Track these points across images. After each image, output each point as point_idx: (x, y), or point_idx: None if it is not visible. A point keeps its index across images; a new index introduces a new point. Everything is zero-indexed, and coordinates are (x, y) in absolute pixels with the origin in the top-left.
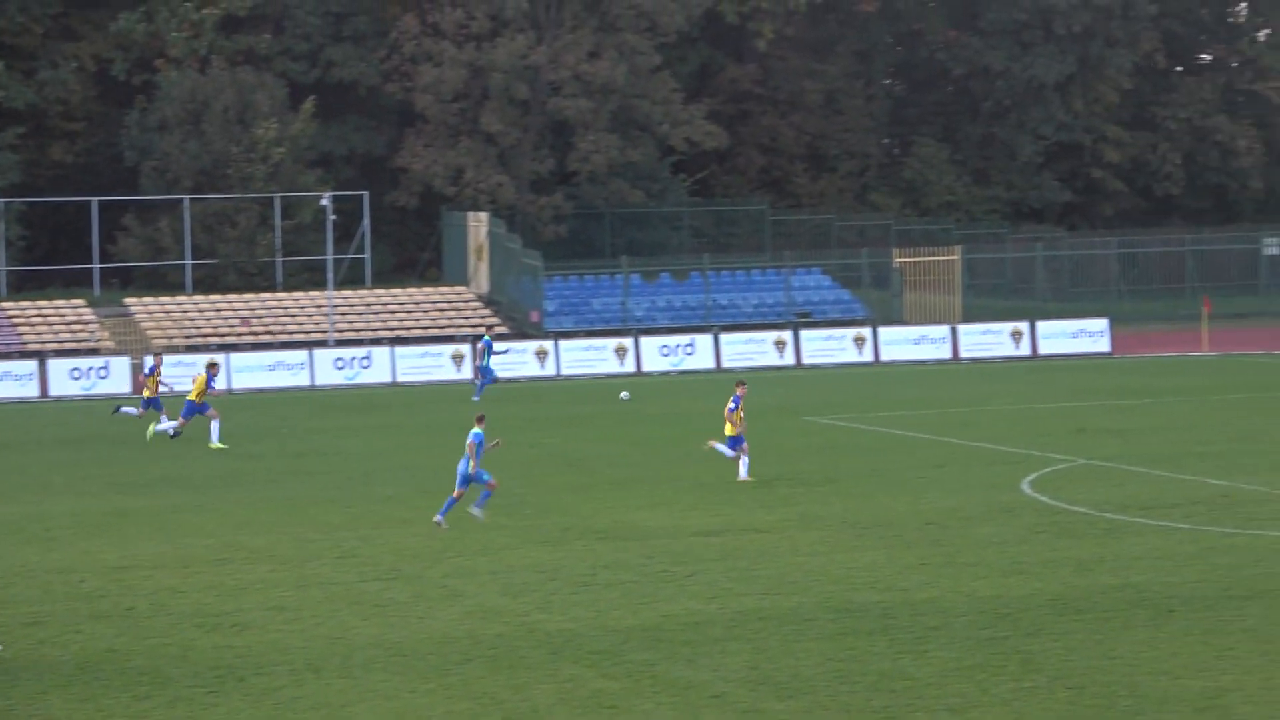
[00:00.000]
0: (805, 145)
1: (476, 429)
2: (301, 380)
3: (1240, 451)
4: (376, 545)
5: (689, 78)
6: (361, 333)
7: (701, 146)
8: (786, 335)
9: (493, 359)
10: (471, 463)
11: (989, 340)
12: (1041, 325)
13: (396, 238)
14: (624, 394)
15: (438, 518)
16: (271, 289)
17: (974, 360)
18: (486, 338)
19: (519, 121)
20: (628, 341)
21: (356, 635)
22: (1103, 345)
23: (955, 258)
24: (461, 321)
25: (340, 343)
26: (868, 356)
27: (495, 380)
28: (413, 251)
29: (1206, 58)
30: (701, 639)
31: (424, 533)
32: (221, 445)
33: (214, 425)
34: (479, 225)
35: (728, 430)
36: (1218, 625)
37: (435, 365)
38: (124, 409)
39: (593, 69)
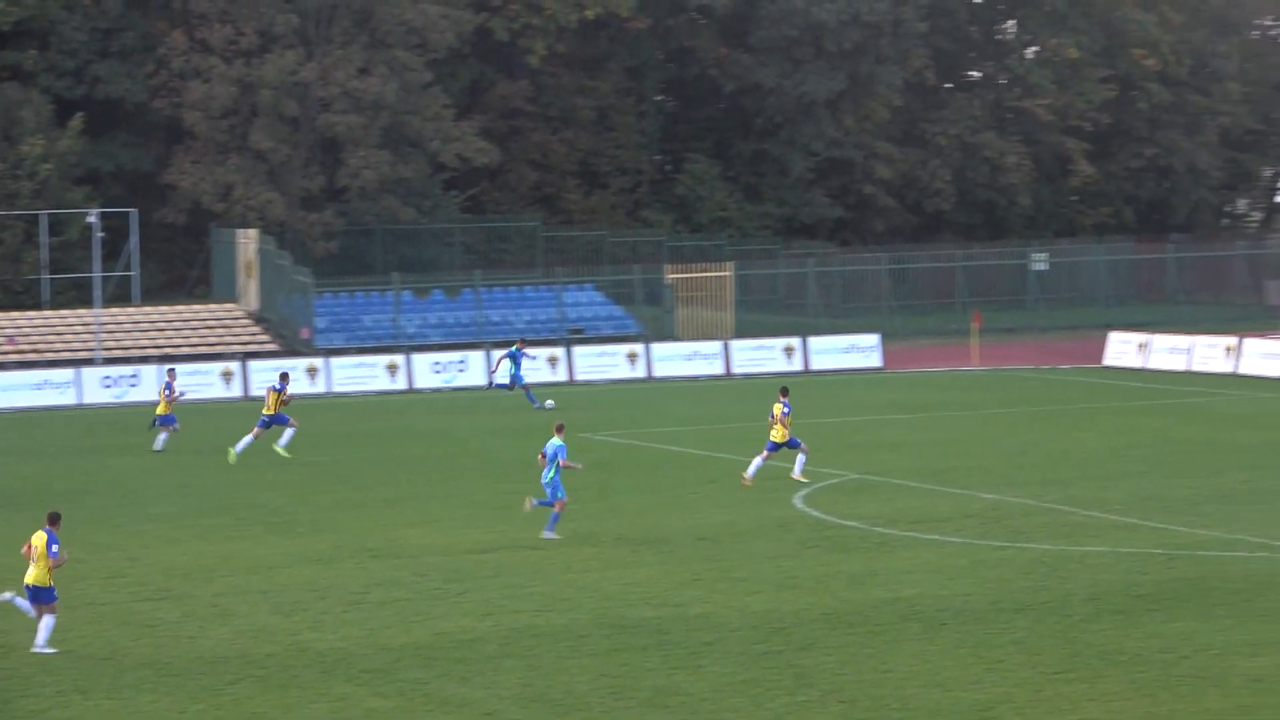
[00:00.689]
0: (577, 162)
1: (556, 439)
2: (68, 399)
3: (1010, 465)
4: (145, 565)
5: (460, 94)
6: (130, 351)
7: (473, 163)
8: (559, 351)
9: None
10: (549, 473)
11: (761, 356)
12: (813, 341)
13: (165, 255)
14: (549, 402)
15: (547, 533)
16: (37, 306)
17: (747, 376)
18: (515, 349)
19: (289, 138)
20: (399, 359)
21: (126, 656)
22: (874, 360)
23: (728, 274)
24: (231, 339)
25: (108, 361)
26: (641, 372)
27: (514, 388)
28: (182, 269)
29: (976, 75)
30: (475, 656)
31: (194, 551)
32: (288, 453)
33: (288, 432)
34: (248, 242)
35: (777, 435)
36: (988, 638)
37: (205, 383)
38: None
39: (363, 85)
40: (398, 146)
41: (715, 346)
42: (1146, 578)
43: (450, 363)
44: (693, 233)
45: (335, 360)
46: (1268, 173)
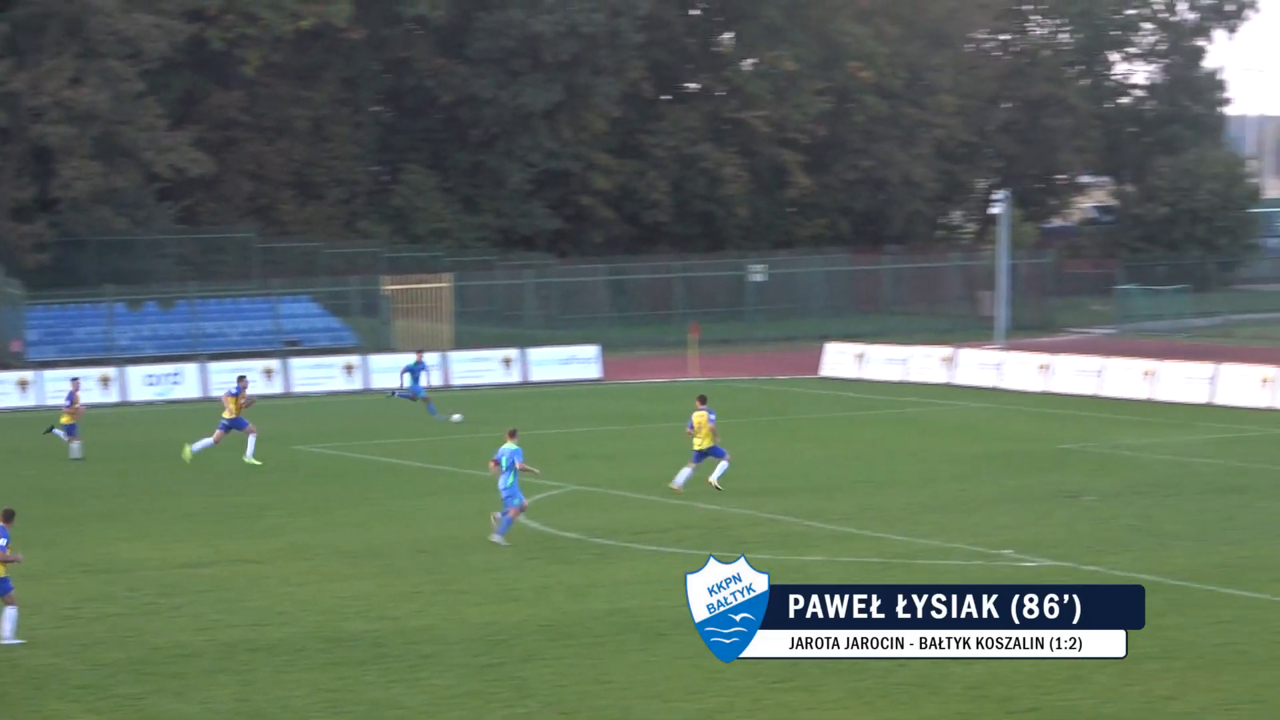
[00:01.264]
0: (293, 172)
1: (510, 444)
2: None
3: (729, 476)
4: None
5: (174, 104)
6: None
7: (187, 173)
8: (275, 364)
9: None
10: (507, 479)
11: (480, 367)
12: (532, 352)
13: None
14: (456, 416)
15: (496, 538)
16: None
17: (466, 387)
18: (415, 362)
19: None
20: (113, 371)
21: None
22: (593, 371)
23: (445, 285)
24: None
25: None
26: (358, 384)
27: (415, 399)
28: None
29: (693, 87)
30: (190, 671)
31: None
32: (256, 461)
33: (250, 440)
34: None
35: (707, 442)
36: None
37: None
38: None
39: (75, 95)
40: (111, 157)
41: (433, 358)
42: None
43: (164, 375)
44: (410, 244)
45: (47, 373)
46: (981, 185)
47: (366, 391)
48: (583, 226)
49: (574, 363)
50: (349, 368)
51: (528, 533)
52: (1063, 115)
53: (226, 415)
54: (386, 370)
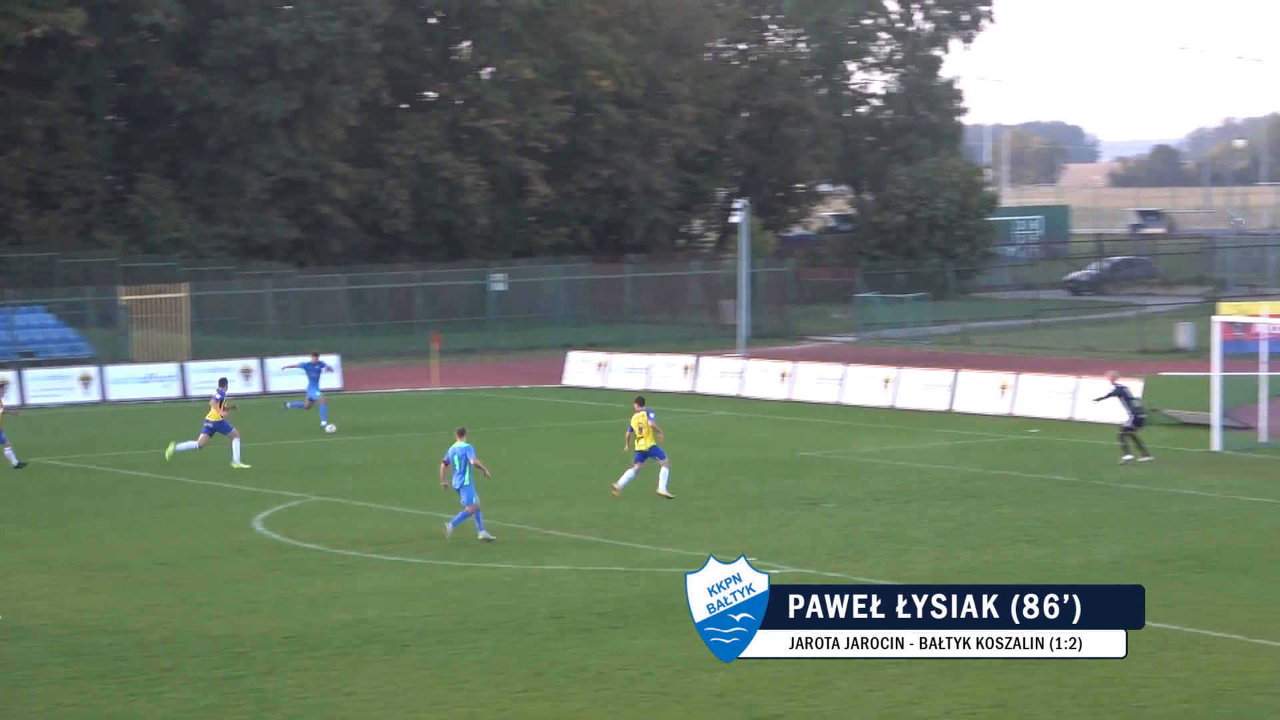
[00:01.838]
0: (26, 182)
1: (460, 442)
2: None
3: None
4: None
5: None
6: None
7: None
8: (9, 375)
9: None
10: (463, 478)
11: (218, 378)
12: (272, 362)
13: None
14: (330, 427)
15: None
16: None
17: (205, 398)
18: (309, 361)
19: None
20: None
21: None
22: (334, 381)
23: (183, 295)
24: None
25: None
26: (95, 395)
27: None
28: None
29: (432, 95)
30: None
31: None
32: (244, 465)
33: (235, 444)
34: None
35: (649, 442)
36: (451, 658)
37: None
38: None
39: None
40: None
41: (171, 369)
42: (609, 595)
43: None
44: (147, 254)
45: None
46: (721, 193)
47: (104, 403)
48: (322, 236)
49: None
50: (85, 379)
51: (269, 544)
52: (801, 124)
53: (210, 418)
54: (123, 381)
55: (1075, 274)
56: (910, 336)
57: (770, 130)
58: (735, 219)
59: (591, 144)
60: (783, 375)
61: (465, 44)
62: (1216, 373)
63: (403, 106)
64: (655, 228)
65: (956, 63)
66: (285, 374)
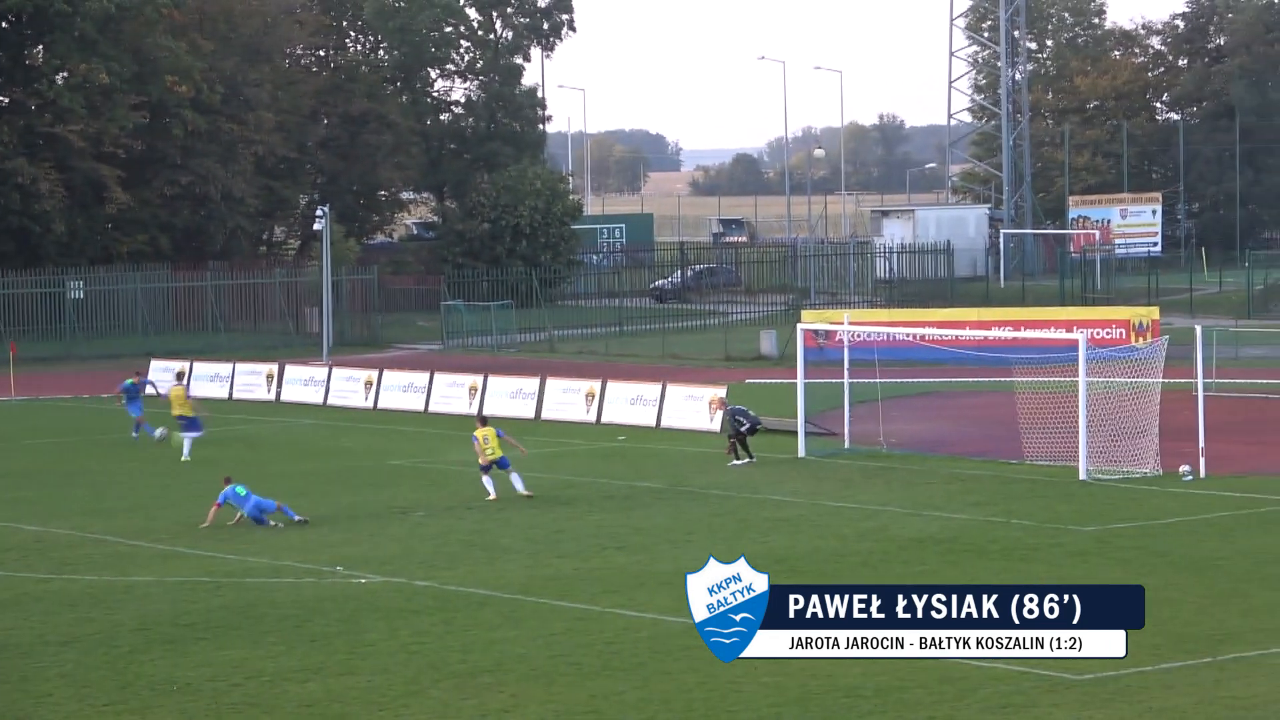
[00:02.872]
0: None
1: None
2: None
3: (54, 497)
4: None
5: None
6: None
7: None
8: None
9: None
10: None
11: None
12: None
13: None
14: (159, 431)
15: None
16: None
17: None
18: (133, 381)
19: None
20: None
21: None
22: None
23: None
24: None
25: None
26: None
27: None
28: None
29: (4, 100)
30: None
31: None
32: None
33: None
34: None
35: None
36: (35, 671)
37: None
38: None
39: None
40: None
41: None
42: (195, 606)
43: None
44: None
45: None
46: (303, 200)
47: None
48: None
49: None
50: None
51: None
52: (383, 131)
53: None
54: None
55: (659, 282)
56: (496, 344)
57: (351, 137)
58: (317, 226)
59: (170, 150)
60: (367, 384)
61: (39, 48)
62: (800, 379)
63: None
64: (236, 235)
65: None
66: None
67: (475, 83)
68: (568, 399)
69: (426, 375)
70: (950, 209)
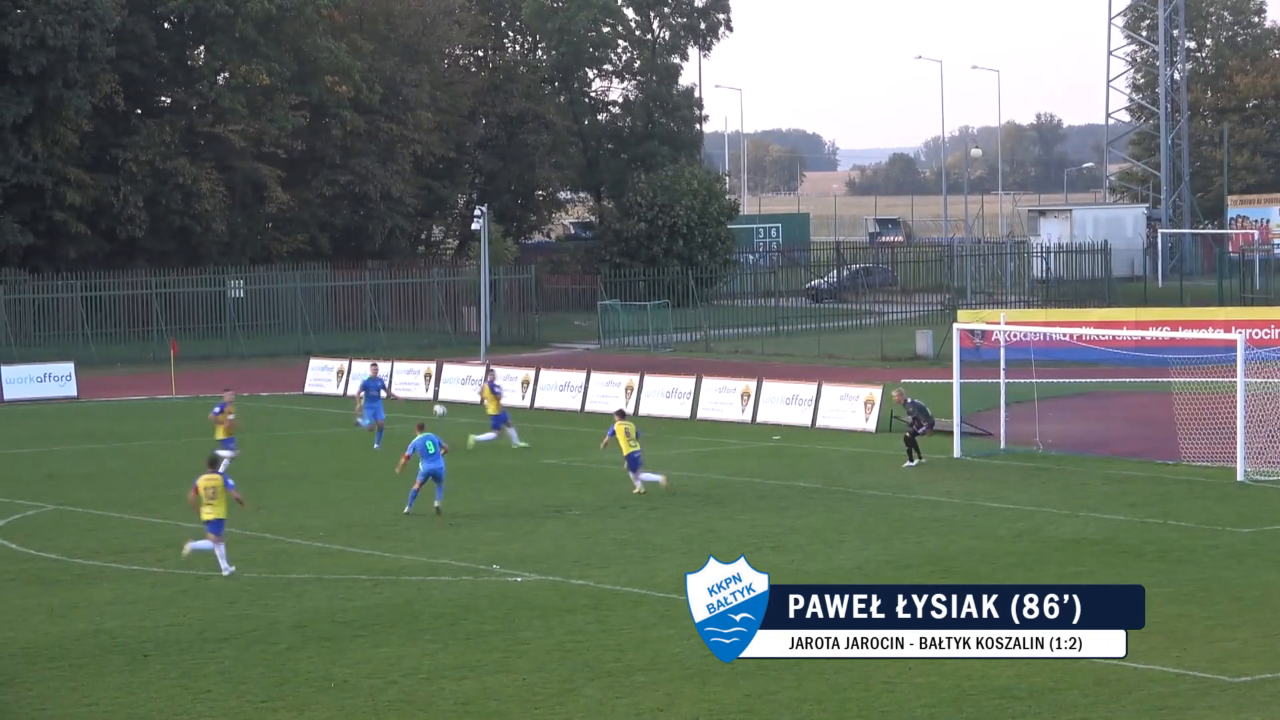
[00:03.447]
0: None
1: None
2: None
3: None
4: None
5: None
6: None
7: None
8: None
9: None
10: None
11: None
12: (6, 370)
13: None
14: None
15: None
16: None
17: None
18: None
19: None
20: None
21: None
22: (69, 389)
23: None
24: None
25: None
26: None
27: None
28: None
29: (166, 100)
30: None
31: None
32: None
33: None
34: None
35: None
36: (193, 668)
37: None
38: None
39: None
40: None
41: None
42: (352, 604)
43: None
44: None
45: None
46: (461, 200)
47: None
48: (56, 242)
49: (49, 380)
50: None
51: (6, 554)
52: (540, 131)
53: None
54: None
55: (815, 281)
56: (652, 344)
57: (509, 137)
58: (475, 226)
59: (329, 150)
60: (524, 383)
61: (200, 49)
62: (956, 379)
63: (137, 112)
64: (395, 234)
65: (695, 71)
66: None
67: (632, 82)
68: (723, 398)
69: (583, 374)
70: (1108, 209)
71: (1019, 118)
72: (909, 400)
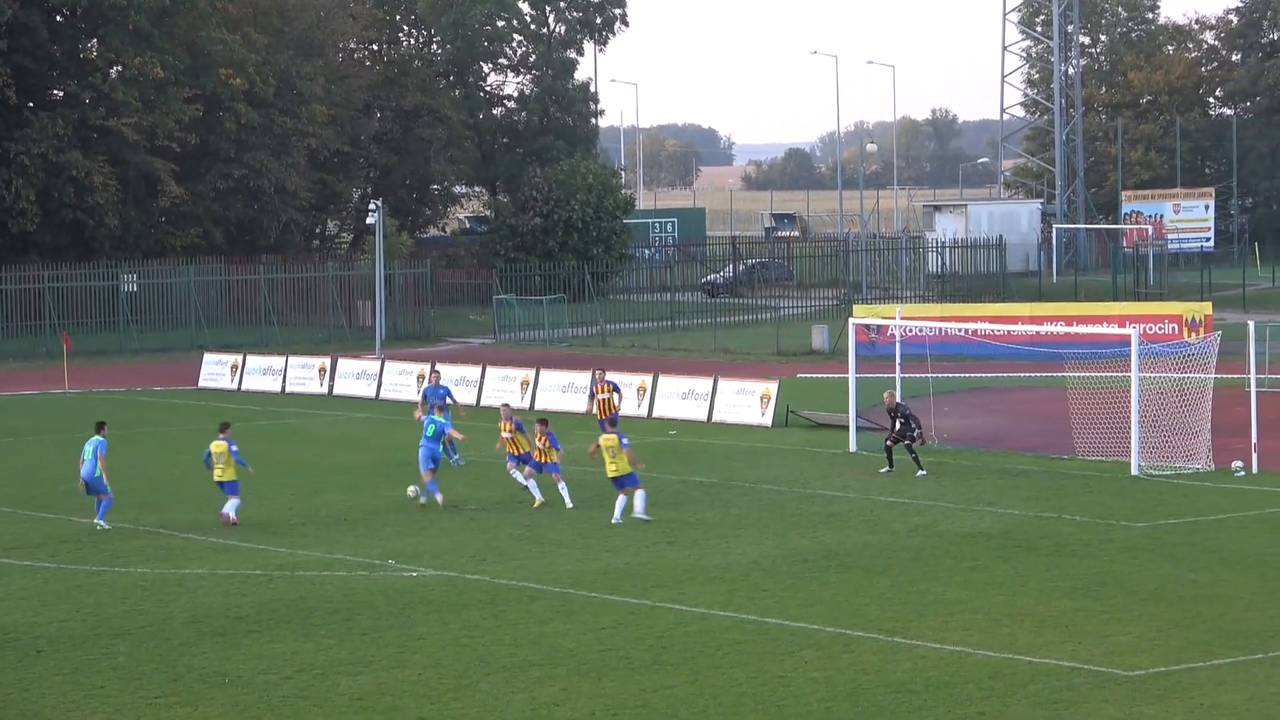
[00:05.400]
0: None
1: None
2: None
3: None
4: None
5: None
6: None
7: None
8: None
9: None
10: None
11: None
12: None
13: None
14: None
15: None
16: None
17: None
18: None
19: None
20: None
21: None
22: None
23: None
24: None
25: None
26: None
27: None
28: None
29: (59, 93)
30: None
31: None
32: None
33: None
34: None
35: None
36: (87, 664)
37: None
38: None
39: None
40: None
41: None
42: (246, 599)
43: None
44: None
45: None
46: (356, 194)
47: None
48: None
49: None
50: None
51: None
52: (435, 126)
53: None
54: None
55: (711, 276)
56: (548, 338)
57: (404, 131)
58: (370, 220)
59: (223, 144)
60: (419, 378)
61: (93, 42)
62: (852, 375)
63: (29, 105)
64: (289, 228)
65: (591, 65)
66: None
67: (528, 77)
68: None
69: (479, 369)
70: (1003, 204)
71: (914, 113)
72: (898, 404)
